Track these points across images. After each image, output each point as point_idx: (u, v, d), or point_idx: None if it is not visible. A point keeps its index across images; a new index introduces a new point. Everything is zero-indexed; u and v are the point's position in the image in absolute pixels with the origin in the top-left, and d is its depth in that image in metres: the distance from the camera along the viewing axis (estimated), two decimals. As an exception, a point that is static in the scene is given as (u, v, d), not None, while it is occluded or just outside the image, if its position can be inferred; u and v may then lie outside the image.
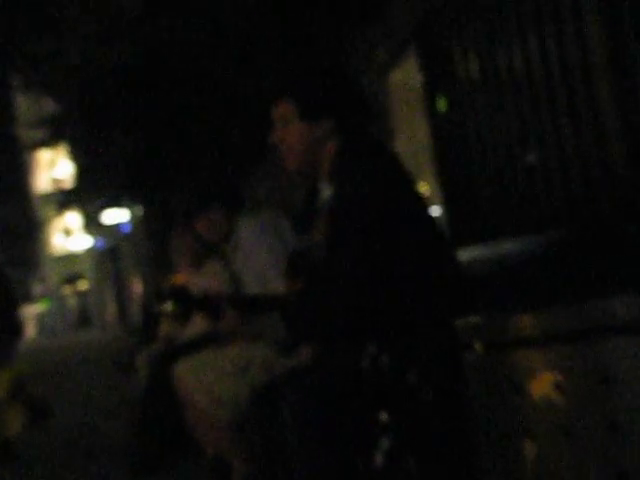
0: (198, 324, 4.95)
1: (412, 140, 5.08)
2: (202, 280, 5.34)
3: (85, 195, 14.79)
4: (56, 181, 33.94)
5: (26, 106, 29.10)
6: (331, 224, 2.64)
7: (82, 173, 13.84)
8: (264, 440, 3.04)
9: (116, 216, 21.87)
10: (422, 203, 2.72)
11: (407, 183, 2.71)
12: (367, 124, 2.84)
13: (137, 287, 25.64)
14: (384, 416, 2.54)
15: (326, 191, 2.79)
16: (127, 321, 29.26)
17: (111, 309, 35.34)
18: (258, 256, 4.03)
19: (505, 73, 4.16)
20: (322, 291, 2.62)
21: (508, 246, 3.94)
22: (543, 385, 1.96)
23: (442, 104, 4.91)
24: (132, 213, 21.48)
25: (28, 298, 45.30)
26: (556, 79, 3.72)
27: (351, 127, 2.76)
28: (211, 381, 3.95)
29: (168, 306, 3.10)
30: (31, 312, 45.81)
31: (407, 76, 5.31)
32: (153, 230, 15.90)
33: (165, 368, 4.49)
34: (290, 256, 2.97)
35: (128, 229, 24.24)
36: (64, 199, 16.00)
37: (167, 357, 4.80)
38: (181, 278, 4.93)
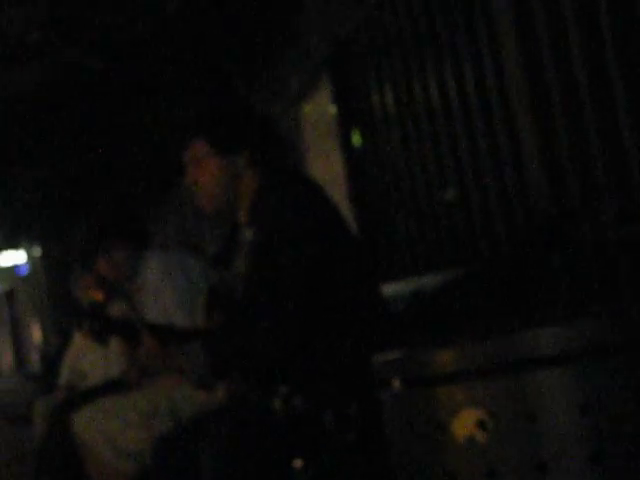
0: (102, 367, 4.75)
1: (326, 172, 4.99)
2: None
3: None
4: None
5: None
6: (256, 260, 2.59)
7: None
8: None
9: (12, 258, 21.32)
10: (350, 234, 2.70)
11: (334, 214, 2.67)
12: (282, 157, 2.84)
13: (36, 333, 24.97)
14: (299, 463, 2.45)
15: (246, 229, 2.74)
16: (25, 370, 28.48)
17: (7, 357, 34.37)
18: (165, 297, 3.90)
19: (422, 106, 4.08)
20: (249, 326, 2.55)
21: (427, 281, 3.87)
22: (466, 423, 1.84)
23: (356, 137, 4.84)
24: (29, 254, 20.97)
25: None
26: (475, 112, 3.65)
27: (267, 160, 2.73)
28: (114, 431, 3.79)
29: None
30: None
31: (320, 107, 5.23)
32: (52, 272, 15.54)
33: (64, 417, 4.25)
34: (209, 292, 2.88)
35: (25, 271, 23.62)
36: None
37: (67, 405, 4.54)
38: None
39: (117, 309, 5.06)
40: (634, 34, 2.64)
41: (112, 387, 4.27)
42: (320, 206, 2.64)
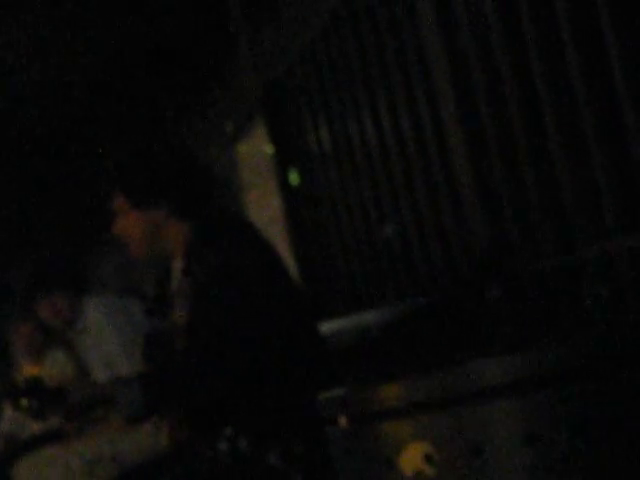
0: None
1: (263, 212, 5.00)
2: (43, 370, 5.09)
3: None
4: None
5: None
6: (195, 304, 2.61)
7: None
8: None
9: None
10: (287, 275, 2.74)
11: (270, 258, 2.71)
12: (214, 201, 2.84)
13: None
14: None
15: (182, 279, 2.76)
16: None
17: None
18: (106, 340, 3.88)
19: (358, 143, 4.11)
20: (187, 366, 2.53)
21: (368, 317, 3.88)
22: (413, 457, 1.84)
23: (293, 176, 4.85)
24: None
25: None
26: (411, 148, 3.69)
27: (194, 209, 2.77)
28: (57, 479, 3.73)
29: (24, 402, 2.85)
30: None
31: (255, 147, 5.25)
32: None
33: (5, 467, 4.19)
34: (146, 339, 2.86)
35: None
36: None
37: (8, 456, 4.48)
38: (31, 370, 4.66)
39: (52, 359, 5.01)
40: (565, 76, 2.69)
41: (54, 435, 4.22)
42: (257, 251, 2.66)
